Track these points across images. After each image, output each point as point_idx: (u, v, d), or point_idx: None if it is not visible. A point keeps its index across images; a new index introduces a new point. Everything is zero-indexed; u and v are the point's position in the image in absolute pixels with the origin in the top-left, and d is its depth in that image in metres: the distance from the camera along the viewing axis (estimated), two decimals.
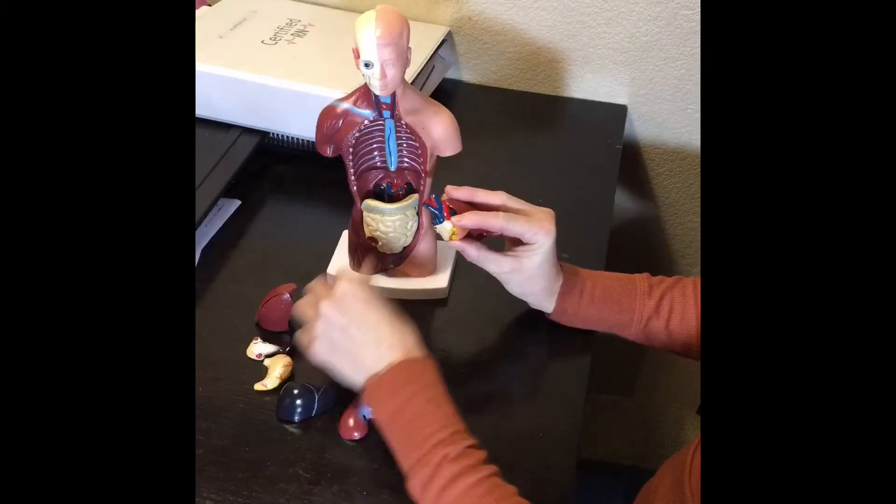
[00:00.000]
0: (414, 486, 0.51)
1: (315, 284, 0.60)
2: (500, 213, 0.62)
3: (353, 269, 0.72)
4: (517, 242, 0.64)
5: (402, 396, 0.53)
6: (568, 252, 0.78)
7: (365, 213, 0.68)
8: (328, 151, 0.66)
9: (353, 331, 0.56)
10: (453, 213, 0.63)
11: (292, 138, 0.86)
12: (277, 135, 0.87)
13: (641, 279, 0.67)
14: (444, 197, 0.64)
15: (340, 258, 0.73)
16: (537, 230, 0.63)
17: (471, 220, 0.62)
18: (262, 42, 0.88)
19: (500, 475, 0.51)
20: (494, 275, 0.65)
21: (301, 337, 0.59)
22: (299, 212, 0.83)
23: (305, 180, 0.85)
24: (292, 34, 0.91)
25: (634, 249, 1.13)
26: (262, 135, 0.86)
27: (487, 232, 0.64)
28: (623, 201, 1.08)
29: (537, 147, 0.93)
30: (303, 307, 0.59)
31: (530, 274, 0.64)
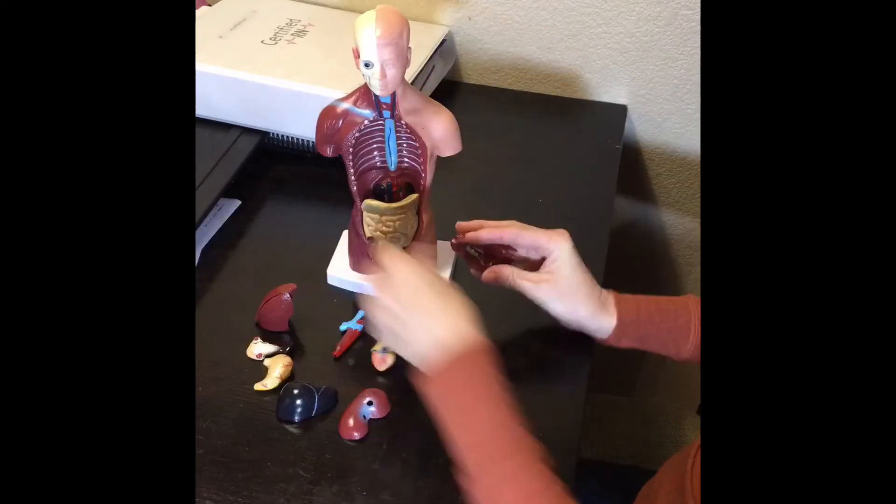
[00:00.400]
0: (473, 490, 0.50)
1: (373, 276, 0.59)
2: (513, 223, 0.64)
3: (353, 269, 0.72)
4: (538, 266, 0.65)
5: (463, 398, 0.52)
6: None
7: (365, 213, 0.68)
8: (328, 151, 0.66)
9: (407, 317, 0.54)
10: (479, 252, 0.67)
11: (292, 138, 0.86)
12: (277, 135, 0.86)
13: (691, 297, 0.67)
14: (457, 238, 0.66)
15: (340, 258, 0.73)
16: (551, 235, 0.64)
17: (487, 234, 0.64)
18: (262, 42, 0.88)
19: (566, 493, 0.49)
20: (538, 302, 0.65)
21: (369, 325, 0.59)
22: (299, 212, 0.83)
23: (305, 180, 0.85)
24: (292, 34, 0.91)
25: (634, 249, 1.13)
26: (262, 135, 0.86)
27: (506, 254, 0.66)
28: (623, 201, 1.08)
29: (537, 147, 0.93)
30: (365, 301, 0.59)
31: (568, 286, 0.64)
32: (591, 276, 0.65)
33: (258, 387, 0.62)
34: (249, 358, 0.65)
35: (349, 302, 0.71)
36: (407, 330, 0.55)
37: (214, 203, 0.77)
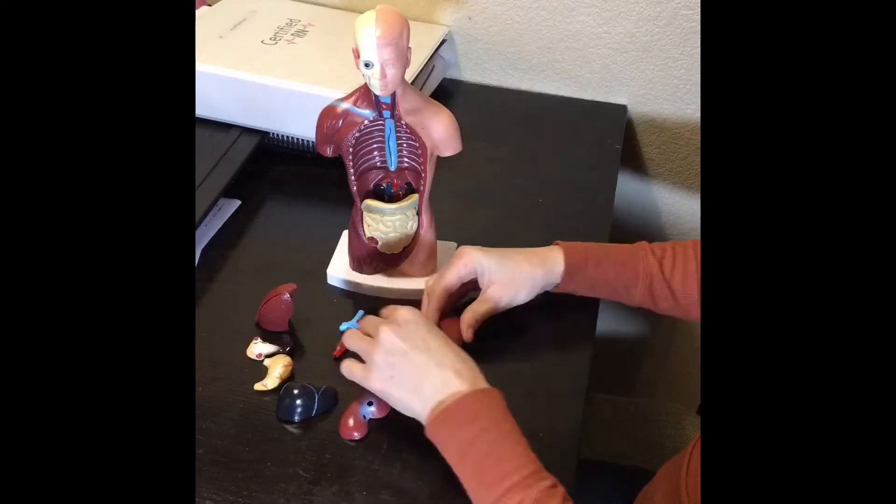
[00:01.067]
0: None
1: (369, 318, 0.61)
2: (430, 280, 0.67)
3: (353, 269, 0.72)
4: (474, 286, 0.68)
5: (472, 431, 0.51)
6: None
7: (365, 213, 0.68)
8: (328, 151, 0.66)
9: (415, 356, 0.54)
10: None
11: (292, 138, 0.86)
12: (277, 135, 0.86)
13: (642, 244, 0.69)
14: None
15: (340, 258, 0.73)
16: (458, 260, 0.66)
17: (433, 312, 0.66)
18: (262, 42, 0.88)
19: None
20: (506, 307, 0.67)
21: (353, 368, 0.58)
22: (299, 212, 0.83)
23: (305, 180, 0.85)
24: (292, 34, 0.91)
25: None
26: (262, 135, 0.86)
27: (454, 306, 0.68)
28: (623, 201, 1.08)
29: (537, 147, 0.93)
30: (355, 340, 0.59)
31: (505, 281, 0.66)
32: (515, 250, 0.68)
33: (258, 387, 0.62)
34: (249, 358, 0.65)
35: (349, 302, 0.71)
36: (416, 368, 0.54)
37: (214, 203, 0.77)
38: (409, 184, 0.68)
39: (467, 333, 0.65)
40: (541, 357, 0.67)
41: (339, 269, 0.72)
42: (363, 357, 0.58)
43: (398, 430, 0.60)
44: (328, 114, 0.64)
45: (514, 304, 0.67)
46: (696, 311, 0.67)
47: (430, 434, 0.54)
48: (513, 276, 0.66)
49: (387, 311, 0.59)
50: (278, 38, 0.90)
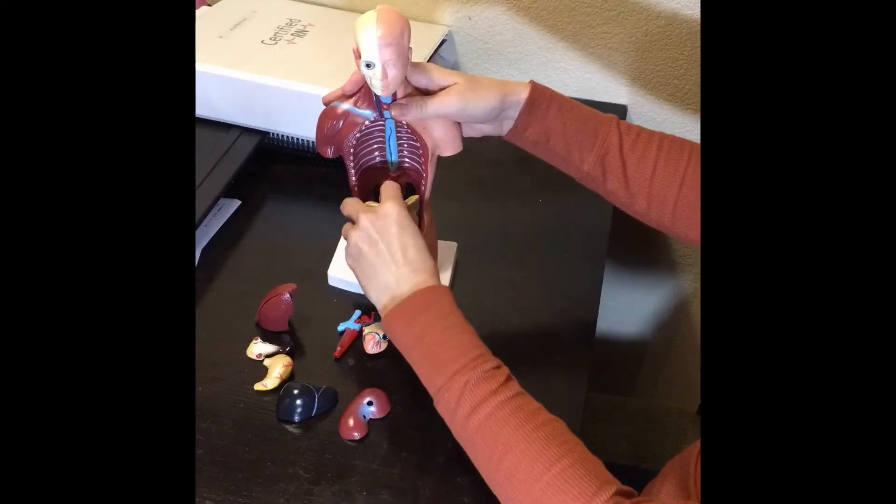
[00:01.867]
0: (441, 410, 0.53)
1: (352, 200, 0.64)
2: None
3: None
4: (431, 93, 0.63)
5: (421, 323, 0.55)
6: (568, 252, 0.78)
7: None
8: (329, 152, 0.66)
9: (381, 247, 0.59)
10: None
11: (292, 138, 0.86)
12: (277, 135, 0.86)
13: (612, 116, 0.65)
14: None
15: (341, 259, 0.73)
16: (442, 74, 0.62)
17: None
18: (262, 42, 0.88)
19: (522, 394, 0.52)
20: (456, 117, 0.63)
21: (347, 229, 0.63)
22: (299, 212, 0.83)
23: (305, 180, 0.85)
24: (292, 34, 0.91)
25: (634, 250, 1.13)
26: (263, 135, 0.86)
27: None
28: None
29: None
30: (348, 208, 0.64)
31: (469, 81, 0.61)
32: (490, 80, 0.63)
33: (258, 387, 0.62)
34: (249, 358, 0.65)
35: (349, 302, 0.71)
36: (379, 258, 0.58)
37: (214, 203, 0.77)
38: (409, 184, 0.68)
39: (396, 111, 0.62)
40: (541, 357, 0.67)
41: (340, 270, 0.72)
42: (344, 233, 0.63)
43: (398, 430, 0.60)
44: (328, 115, 0.64)
45: (469, 113, 0.62)
46: (640, 203, 0.64)
47: (386, 328, 0.58)
48: (477, 80, 0.62)
49: (365, 208, 0.62)
50: (278, 38, 0.90)
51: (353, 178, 0.67)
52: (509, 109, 0.63)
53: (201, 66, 0.82)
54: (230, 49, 0.86)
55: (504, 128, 0.65)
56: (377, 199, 0.68)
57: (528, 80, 0.64)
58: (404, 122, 0.64)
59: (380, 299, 0.59)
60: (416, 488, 0.56)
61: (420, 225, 0.69)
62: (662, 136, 0.64)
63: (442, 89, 0.62)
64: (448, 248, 0.74)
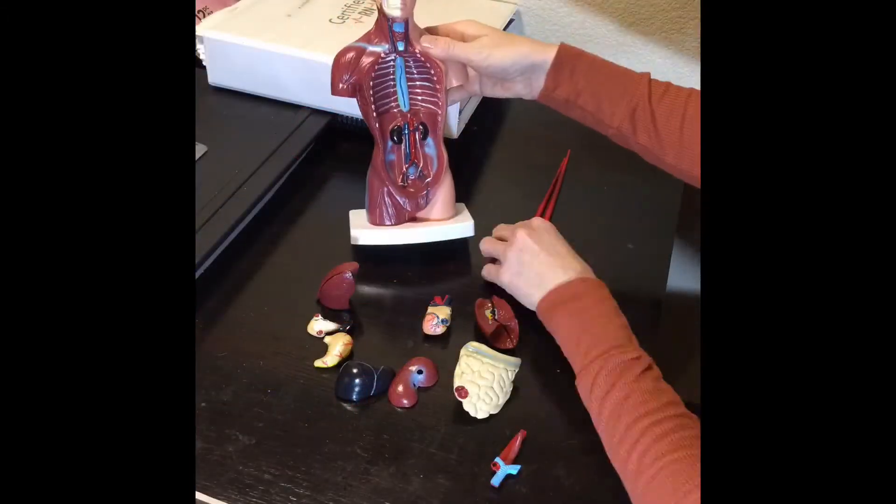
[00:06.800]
0: (580, 390, 0.56)
1: (502, 226, 0.70)
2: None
3: (372, 222, 0.71)
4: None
5: (573, 308, 0.59)
6: (634, 241, 0.76)
7: (465, 357, 0.60)
8: (342, 87, 0.66)
9: (545, 257, 0.63)
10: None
11: (359, 119, 0.86)
12: (346, 117, 0.86)
13: (644, 73, 0.66)
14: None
15: (359, 221, 0.72)
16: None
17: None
18: (330, 21, 0.88)
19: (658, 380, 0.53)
20: (481, 68, 0.66)
21: (489, 268, 0.69)
22: (363, 191, 0.83)
23: (368, 159, 0.85)
24: (359, 13, 0.91)
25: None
26: (332, 116, 0.86)
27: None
28: None
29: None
30: (489, 244, 0.69)
31: (500, 35, 0.65)
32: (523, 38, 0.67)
33: (318, 363, 0.63)
34: (309, 334, 0.65)
35: (406, 286, 0.71)
36: (543, 266, 0.63)
37: (280, 178, 0.77)
38: (424, 124, 0.69)
39: (427, 48, 0.65)
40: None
41: (363, 233, 0.71)
42: (497, 257, 0.68)
43: (457, 418, 0.59)
44: (344, 50, 0.66)
45: (491, 64, 0.65)
46: (671, 156, 0.64)
47: (540, 312, 0.63)
48: (508, 36, 0.66)
49: (517, 225, 0.67)
50: (346, 17, 0.89)
51: (375, 122, 0.67)
52: (537, 70, 0.66)
53: (270, 45, 0.82)
54: (298, 29, 0.86)
55: (534, 89, 0.68)
56: (397, 141, 0.68)
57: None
58: (417, 51, 0.65)
59: (538, 298, 0.63)
60: (472, 475, 0.55)
61: (439, 163, 0.70)
62: (692, 90, 0.65)
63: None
64: (459, 207, 0.74)
